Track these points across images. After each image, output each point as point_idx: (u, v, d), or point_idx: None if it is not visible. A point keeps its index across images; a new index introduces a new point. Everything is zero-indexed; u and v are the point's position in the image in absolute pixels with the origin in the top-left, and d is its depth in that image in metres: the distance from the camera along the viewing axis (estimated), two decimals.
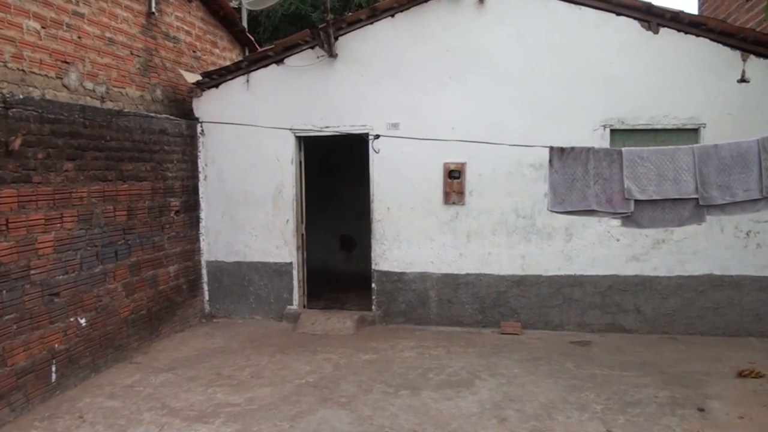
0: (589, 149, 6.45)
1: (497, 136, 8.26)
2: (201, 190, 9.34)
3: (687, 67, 8.11)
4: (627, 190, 6.26)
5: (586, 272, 8.40)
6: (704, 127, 8.07)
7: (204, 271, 9.45)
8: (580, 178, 6.35)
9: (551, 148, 6.53)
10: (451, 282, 8.71)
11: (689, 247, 8.22)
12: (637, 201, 6.28)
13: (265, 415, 5.74)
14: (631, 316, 8.39)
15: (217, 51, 10.86)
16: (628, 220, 6.38)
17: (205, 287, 9.47)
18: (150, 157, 8.10)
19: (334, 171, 12.63)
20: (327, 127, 8.85)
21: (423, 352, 7.50)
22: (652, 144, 8.25)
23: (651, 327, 8.35)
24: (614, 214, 6.48)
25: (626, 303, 8.37)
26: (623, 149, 6.40)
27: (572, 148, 6.46)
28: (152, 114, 8.32)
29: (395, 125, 8.61)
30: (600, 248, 8.36)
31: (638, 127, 8.18)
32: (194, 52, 10.17)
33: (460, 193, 8.52)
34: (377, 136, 8.11)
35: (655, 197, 6.24)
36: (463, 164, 8.50)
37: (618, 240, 8.30)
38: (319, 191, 11.51)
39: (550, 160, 6.49)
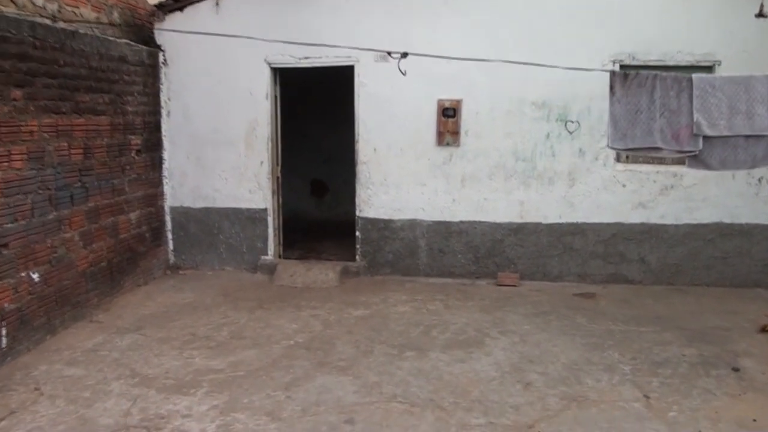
0: (655, 75, 5.93)
1: (496, 71, 7.89)
2: (164, 127, 8.76)
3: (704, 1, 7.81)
4: (696, 125, 5.78)
5: (589, 220, 8.16)
6: (719, 65, 7.77)
7: (168, 218, 8.94)
8: (644, 109, 5.88)
9: (613, 73, 6.09)
10: (443, 230, 8.39)
11: (699, 194, 8.03)
12: (705, 138, 5.81)
13: (254, 384, 5.24)
14: (635, 267, 8.22)
15: None
16: (694, 160, 5.96)
17: (170, 236, 8.98)
18: (109, 88, 7.48)
19: (304, 109, 12.12)
20: (307, 58, 8.30)
21: (419, 307, 7.19)
22: None
23: (656, 278, 8.20)
24: (680, 152, 5.98)
25: (630, 252, 8.19)
26: (693, 76, 5.88)
27: (637, 73, 5.97)
28: (111, 38, 7.68)
29: (384, 57, 8.02)
30: (605, 194, 8.10)
31: (650, 63, 7.83)
32: None
33: (455, 133, 8.13)
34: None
35: (726, 133, 5.76)
36: (458, 101, 8.09)
37: (624, 185, 8.05)
38: (288, 131, 10.96)
39: (611, 87, 6.02)
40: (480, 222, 8.31)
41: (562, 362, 5.62)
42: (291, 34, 8.22)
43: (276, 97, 8.67)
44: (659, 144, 5.87)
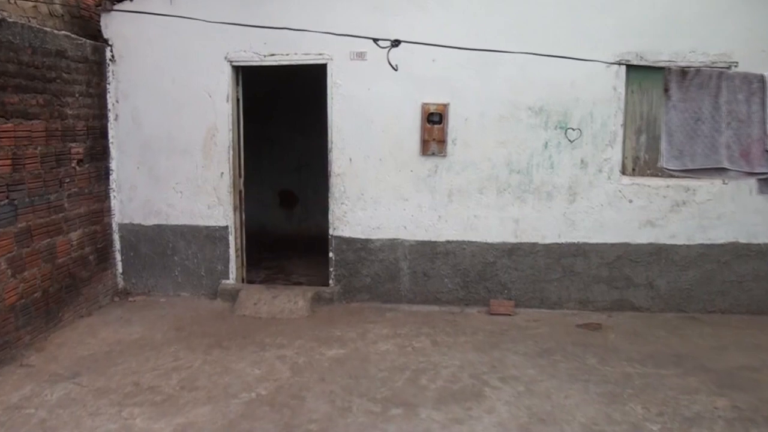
0: (720, 73, 4.88)
1: (488, 72, 7.28)
2: (111, 133, 7.96)
3: None
4: None
5: (591, 239, 7.51)
6: (736, 66, 7.14)
7: (116, 237, 8.14)
8: (707, 117, 4.87)
9: (668, 70, 4.96)
10: (428, 251, 7.69)
11: (713, 211, 7.43)
12: None
13: None
14: (642, 292, 7.58)
15: None
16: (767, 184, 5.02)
17: (118, 257, 8.18)
18: (43, 87, 6.68)
19: (271, 112, 11.41)
20: (272, 55, 7.58)
21: (403, 344, 6.43)
22: None
23: (665, 304, 7.57)
24: (750, 174, 4.93)
25: (638, 276, 7.54)
26: (767, 74, 4.83)
27: (697, 71, 4.85)
28: (47, 28, 6.89)
29: (361, 55, 7.40)
30: (609, 211, 7.46)
31: (659, 64, 7.18)
32: None
33: (441, 141, 7.43)
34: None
35: None
36: (445, 105, 7.40)
37: (631, 201, 7.41)
38: (253, 137, 10.20)
39: (666, 89, 4.94)
40: (469, 242, 7.62)
41: (579, 421, 4.85)
42: (255, 29, 7.53)
43: (238, 99, 7.92)
44: (725, 164, 4.84)
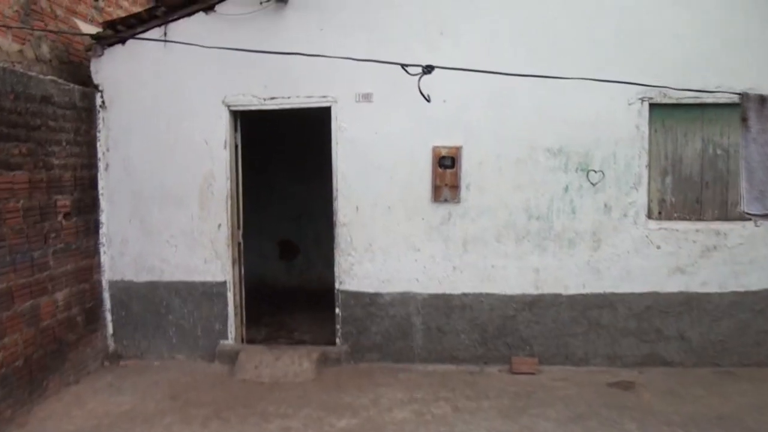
0: None
1: (502, 111, 6.84)
2: (101, 184, 7.46)
3: (745, 22, 6.78)
4: None
5: (618, 289, 6.97)
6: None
7: (106, 296, 7.56)
8: None
9: (744, 96, 4.47)
10: (443, 305, 7.12)
11: (745, 255, 6.91)
12: None
13: None
14: (673, 345, 7.01)
15: (126, 5, 8.99)
16: None
17: (109, 317, 7.59)
18: (26, 136, 6.18)
19: (270, 158, 10.97)
20: (273, 98, 7.13)
21: (421, 411, 5.82)
22: (699, 123, 6.97)
23: (698, 358, 6.99)
24: None
25: (668, 328, 6.99)
26: None
27: None
28: (31, 73, 6.45)
29: (367, 96, 6.98)
30: (636, 258, 6.93)
31: (684, 101, 6.79)
32: (95, 0, 8.32)
33: (455, 187, 6.95)
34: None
35: None
36: (458, 148, 6.93)
37: (658, 247, 6.90)
38: (252, 185, 9.74)
39: (744, 119, 4.37)
40: (487, 294, 7.06)
41: None
42: (254, 72, 7.13)
43: (236, 145, 7.44)
44: None
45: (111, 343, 7.61)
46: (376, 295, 7.19)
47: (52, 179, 6.58)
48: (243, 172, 7.66)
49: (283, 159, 10.94)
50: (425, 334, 7.17)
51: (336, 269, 7.27)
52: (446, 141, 6.95)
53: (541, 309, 7.02)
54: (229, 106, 7.21)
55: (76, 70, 7.60)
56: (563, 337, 7.04)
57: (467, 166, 6.97)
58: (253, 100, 7.17)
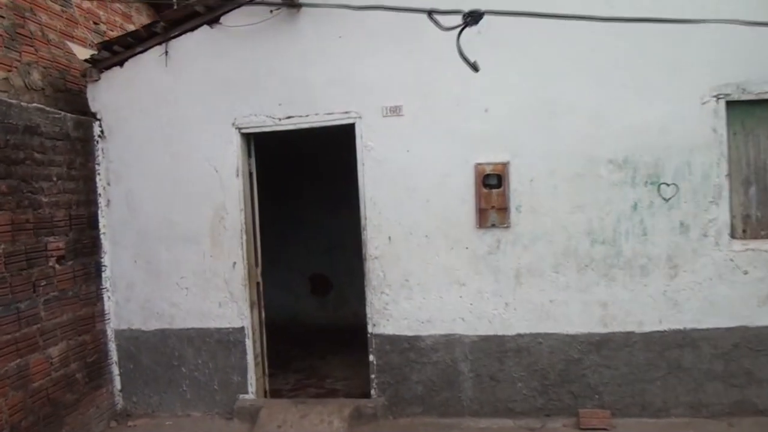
0: None
1: (553, 120, 5.80)
2: (102, 222, 6.61)
3: None
4: None
5: (700, 324, 5.78)
6: None
7: (112, 347, 6.67)
8: None
9: None
10: (494, 348, 6.02)
11: None
12: None
13: None
14: (766, 389, 5.87)
15: (132, 28, 8.21)
16: None
17: (115, 371, 6.70)
18: (7, 171, 5.35)
19: (292, 187, 10.11)
20: (289, 117, 6.20)
21: None
22: None
23: None
24: None
25: (761, 369, 5.75)
26: None
27: None
28: (12, 100, 5.63)
29: (396, 109, 6.00)
30: (720, 286, 5.76)
31: (766, 97, 5.72)
32: (96, 24, 7.55)
33: (503, 209, 5.89)
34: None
35: None
36: (504, 165, 5.87)
37: (746, 272, 5.72)
38: (275, 216, 8.83)
39: None
40: (546, 334, 5.94)
41: None
42: (267, 89, 6.23)
43: (251, 173, 6.52)
44: None
45: (119, 400, 6.69)
46: (416, 338, 6.13)
47: (40, 219, 5.72)
48: (262, 202, 6.75)
49: (310, 186, 10.06)
50: (475, 383, 6.07)
51: (368, 310, 6.23)
52: (490, 157, 5.89)
53: (610, 350, 5.87)
54: (240, 129, 6.30)
55: (75, 99, 6.79)
56: (638, 383, 5.86)
57: (516, 185, 5.90)
58: (267, 121, 6.24)
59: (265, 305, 6.72)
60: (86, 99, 6.67)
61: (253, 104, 6.27)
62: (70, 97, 6.80)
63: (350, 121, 6.10)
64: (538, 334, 5.94)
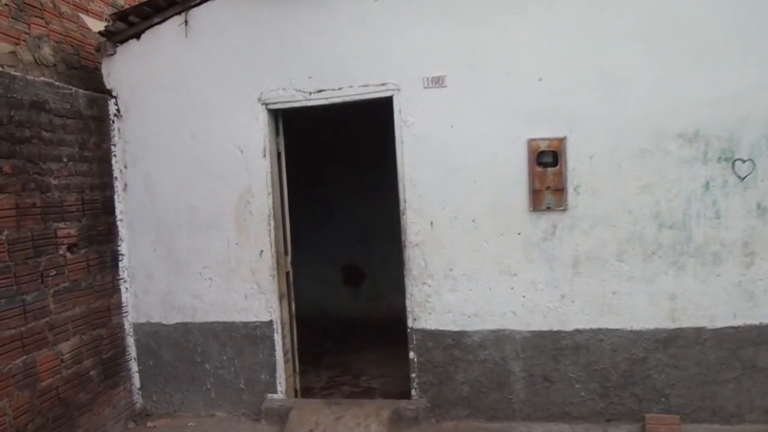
0: None
1: (616, 91, 5.10)
2: (119, 208, 6.05)
3: None
4: None
5: None
6: None
7: (131, 342, 6.12)
8: None
9: None
10: (549, 345, 5.34)
11: None
12: None
13: None
14: None
15: None
16: None
17: (134, 368, 6.15)
18: (9, 150, 4.79)
19: (328, 170, 9.55)
20: (320, 91, 5.55)
21: None
22: None
23: None
24: None
25: None
26: None
27: None
28: (16, 72, 5.06)
29: (439, 80, 5.32)
30: None
31: None
32: None
33: (559, 190, 5.19)
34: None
35: None
36: (561, 140, 5.16)
37: None
38: (305, 201, 8.23)
39: None
40: (608, 330, 5.24)
41: None
42: (296, 60, 5.61)
43: (279, 153, 5.90)
44: None
45: (138, 399, 6.14)
46: (461, 334, 5.47)
47: (49, 203, 5.16)
48: (292, 187, 6.14)
49: (342, 170, 9.47)
50: (527, 384, 5.40)
51: (408, 302, 5.58)
52: (545, 132, 5.18)
53: (679, 348, 5.16)
54: (266, 105, 5.67)
55: (90, 77, 6.20)
56: (709, 385, 5.15)
57: (574, 163, 5.19)
58: (296, 95, 5.60)
59: (295, 297, 6.14)
60: (102, 76, 6.12)
61: (281, 78, 5.63)
62: (86, 75, 6.22)
63: (387, 93, 5.43)
64: (599, 330, 5.24)
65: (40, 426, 4.92)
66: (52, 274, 5.15)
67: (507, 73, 5.20)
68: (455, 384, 5.53)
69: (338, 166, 9.52)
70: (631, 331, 5.20)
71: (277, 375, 5.85)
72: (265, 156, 5.71)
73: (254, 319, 5.85)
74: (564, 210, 5.22)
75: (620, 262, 5.19)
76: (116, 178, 6.03)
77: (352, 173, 9.36)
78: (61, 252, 5.27)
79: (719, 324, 5.11)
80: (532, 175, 5.21)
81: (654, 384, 5.22)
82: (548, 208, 5.22)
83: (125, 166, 6.05)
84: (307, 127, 7.38)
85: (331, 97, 5.53)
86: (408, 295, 5.57)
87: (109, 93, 6.02)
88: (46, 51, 5.80)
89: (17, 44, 5.49)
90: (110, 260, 5.92)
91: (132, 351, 6.14)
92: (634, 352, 5.21)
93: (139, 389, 6.17)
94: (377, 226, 9.02)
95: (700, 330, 5.13)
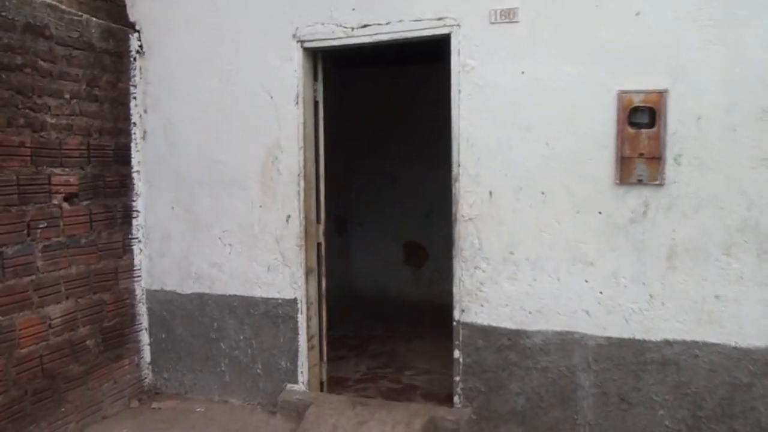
0: None
1: (734, 32, 3.81)
2: (136, 158, 5.23)
3: None
4: None
5: None
6: None
7: (142, 310, 5.32)
8: None
9: None
10: (630, 357, 4.14)
11: None
12: None
13: None
14: None
15: None
16: None
17: (145, 339, 5.33)
18: None
19: (392, 138, 8.59)
20: (364, 26, 4.51)
21: None
22: None
23: None
24: None
25: None
26: None
27: None
28: None
29: (509, 14, 4.18)
30: None
31: None
32: None
33: (655, 159, 3.96)
34: None
35: None
36: (661, 94, 3.92)
37: None
38: (372, 173, 7.28)
39: None
40: (706, 344, 3.98)
41: None
42: None
43: (316, 102, 4.90)
44: None
45: (147, 375, 5.35)
46: (520, 333, 4.35)
47: (42, 144, 4.36)
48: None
49: (407, 137, 8.45)
50: (598, 403, 4.21)
51: (456, 289, 4.51)
52: (640, 83, 3.95)
53: None
54: (302, 42, 4.68)
55: (118, 9, 5.41)
56: None
57: (677, 125, 3.93)
58: (337, 31, 4.59)
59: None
60: (125, 7, 5.29)
61: (321, 10, 4.61)
62: (116, 9, 5.41)
63: (445, 30, 4.32)
64: (694, 343, 3.99)
65: (15, 398, 4.16)
66: (41, 226, 4.36)
67: (595, 5, 4.01)
68: (508, 394, 4.40)
69: (405, 133, 8.50)
70: (735, 348, 3.92)
71: (299, 363, 4.89)
72: (297, 103, 4.72)
73: (276, 295, 4.91)
74: (660, 185, 3.97)
75: (728, 258, 3.90)
76: (134, 123, 5.20)
77: (418, 141, 8.33)
78: (55, 202, 4.47)
79: None
80: (622, 138, 3.99)
81: (759, 419, 3.92)
82: (639, 182, 3.99)
83: (145, 111, 5.20)
84: (372, 89, 6.45)
85: (376, 33, 4.47)
86: (456, 281, 4.49)
87: (132, 26, 5.19)
88: None
89: None
90: (121, 216, 5.11)
91: (144, 320, 5.32)
92: (736, 376, 3.93)
93: (149, 364, 5.35)
94: (443, 202, 7.96)
95: None
